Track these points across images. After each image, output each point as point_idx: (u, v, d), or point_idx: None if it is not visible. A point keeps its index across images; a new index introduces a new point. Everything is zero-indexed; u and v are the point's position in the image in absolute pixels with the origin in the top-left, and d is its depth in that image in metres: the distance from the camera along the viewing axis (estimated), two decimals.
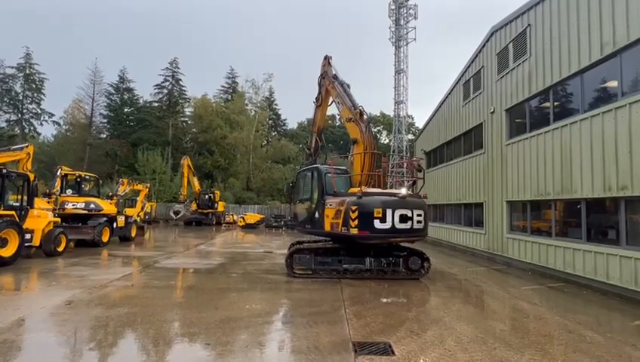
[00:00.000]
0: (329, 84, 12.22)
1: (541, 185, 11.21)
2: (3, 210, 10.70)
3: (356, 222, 8.94)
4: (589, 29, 9.37)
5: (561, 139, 10.38)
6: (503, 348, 5.03)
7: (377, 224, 8.90)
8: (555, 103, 11.06)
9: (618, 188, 8.31)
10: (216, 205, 33.51)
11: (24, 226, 11.24)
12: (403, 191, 9.68)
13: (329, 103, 12.74)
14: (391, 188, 14.99)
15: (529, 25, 12.15)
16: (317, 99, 13.07)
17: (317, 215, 10.13)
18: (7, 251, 10.34)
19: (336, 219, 9.34)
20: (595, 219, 9.49)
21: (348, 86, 11.97)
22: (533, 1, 11.90)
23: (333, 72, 12.29)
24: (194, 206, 33.15)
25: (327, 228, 9.66)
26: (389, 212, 8.97)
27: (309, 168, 11.54)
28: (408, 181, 13.38)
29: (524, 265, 11.99)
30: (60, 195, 15.84)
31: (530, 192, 11.78)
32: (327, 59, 12.56)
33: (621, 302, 7.89)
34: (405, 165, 33.54)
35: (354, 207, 9.01)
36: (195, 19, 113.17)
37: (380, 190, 9.84)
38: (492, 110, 14.47)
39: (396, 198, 9.34)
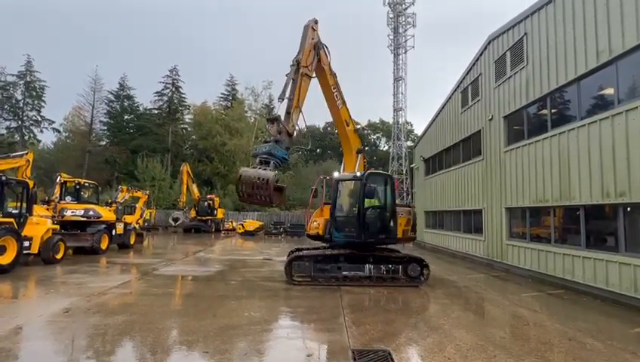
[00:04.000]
0: (327, 66, 10.84)
1: (540, 192, 11.23)
2: (2, 217, 10.67)
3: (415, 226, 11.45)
4: (585, 37, 9.46)
5: (559, 145, 10.43)
6: (503, 356, 5.01)
7: None
8: (553, 110, 11.13)
9: (616, 194, 8.33)
10: (215, 212, 33.43)
11: (23, 233, 11.20)
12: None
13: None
14: None
15: (525, 33, 12.27)
16: (308, 67, 9.87)
17: (392, 224, 10.51)
18: (6, 259, 10.28)
19: (407, 226, 10.92)
20: (594, 225, 9.50)
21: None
22: (529, 10, 12.03)
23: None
24: (193, 213, 33.07)
25: (400, 234, 10.62)
26: None
27: (383, 174, 11.68)
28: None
29: (523, 272, 11.96)
30: (59, 202, 15.81)
31: (529, 199, 11.80)
32: (317, 24, 10.48)
33: (621, 309, 7.86)
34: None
35: (416, 215, 11.71)
36: (195, 26, 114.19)
37: None
38: (490, 117, 14.54)
39: None
